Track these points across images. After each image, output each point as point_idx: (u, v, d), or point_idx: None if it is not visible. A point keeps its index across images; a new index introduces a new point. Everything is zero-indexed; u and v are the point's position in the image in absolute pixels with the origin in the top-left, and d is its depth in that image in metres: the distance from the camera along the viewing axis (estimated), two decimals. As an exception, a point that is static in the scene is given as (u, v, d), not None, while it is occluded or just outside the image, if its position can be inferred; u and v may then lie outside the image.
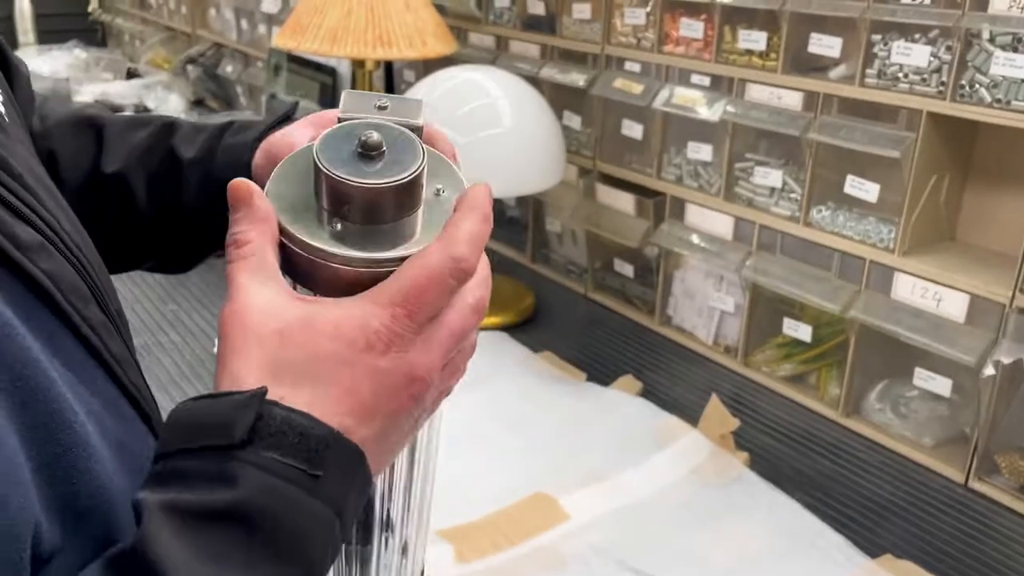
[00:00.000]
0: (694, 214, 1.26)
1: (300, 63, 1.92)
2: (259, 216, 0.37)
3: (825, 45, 1.07)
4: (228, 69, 2.35)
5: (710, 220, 1.24)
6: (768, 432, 1.07)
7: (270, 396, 0.33)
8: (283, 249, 0.36)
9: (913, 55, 0.97)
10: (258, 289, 0.35)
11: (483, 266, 0.37)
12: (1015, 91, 0.89)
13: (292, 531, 0.32)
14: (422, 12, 1.39)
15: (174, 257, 0.55)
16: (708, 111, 1.19)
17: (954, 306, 0.97)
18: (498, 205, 1.65)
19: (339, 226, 0.36)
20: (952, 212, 1.07)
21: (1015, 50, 0.89)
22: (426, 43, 1.37)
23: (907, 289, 1.01)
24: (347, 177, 0.35)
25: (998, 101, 0.91)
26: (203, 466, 0.32)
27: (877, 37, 1.00)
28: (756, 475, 0.98)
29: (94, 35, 3.19)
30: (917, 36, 0.97)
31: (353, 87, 1.68)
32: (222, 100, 2.41)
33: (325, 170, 0.35)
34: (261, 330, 0.34)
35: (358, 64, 1.45)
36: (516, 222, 1.62)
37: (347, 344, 0.34)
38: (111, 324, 0.37)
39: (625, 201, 1.36)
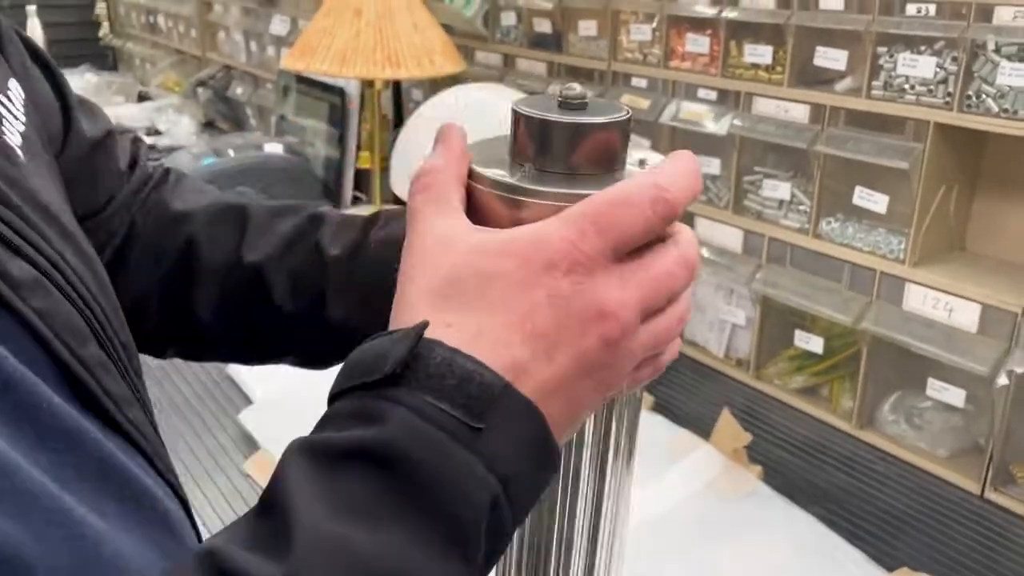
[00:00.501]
0: (703, 227, 1.27)
1: (309, 84, 1.93)
2: (453, 154, 0.36)
3: (831, 58, 1.07)
4: (238, 91, 2.38)
5: (719, 233, 1.24)
6: (782, 445, 1.07)
7: (437, 323, 0.29)
8: (470, 195, 0.35)
9: (919, 66, 0.97)
10: (438, 219, 0.33)
11: (690, 231, 0.35)
12: (1022, 101, 0.89)
13: (440, 486, 0.27)
14: (429, 32, 1.41)
15: (316, 354, 0.52)
16: (715, 125, 1.19)
17: (966, 316, 0.97)
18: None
19: (530, 170, 0.34)
20: (962, 222, 1.07)
21: (1021, 60, 0.89)
22: (434, 62, 1.39)
23: (918, 300, 1.01)
24: (540, 113, 0.34)
25: (1005, 111, 0.91)
26: (350, 405, 0.29)
27: (883, 49, 1.00)
28: (770, 489, 0.98)
29: (105, 59, 3.23)
30: (923, 48, 0.97)
31: (362, 107, 1.69)
32: (232, 122, 2.43)
33: (520, 110, 0.34)
34: (436, 256, 0.32)
35: (367, 84, 1.46)
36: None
37: (522, 262, 0.30)
38: (112, 362, 0.36)
39: (634, 216, 1.36)
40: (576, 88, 0.34)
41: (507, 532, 0.29)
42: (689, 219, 1.28)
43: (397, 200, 1.39)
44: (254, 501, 0.29)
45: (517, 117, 0.35)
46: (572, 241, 0.30)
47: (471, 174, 0.35)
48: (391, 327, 0.32)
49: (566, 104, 0.34)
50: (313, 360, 0.53)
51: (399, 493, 0.27)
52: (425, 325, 0.29)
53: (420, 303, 0.31)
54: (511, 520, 0.29)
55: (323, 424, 0.30)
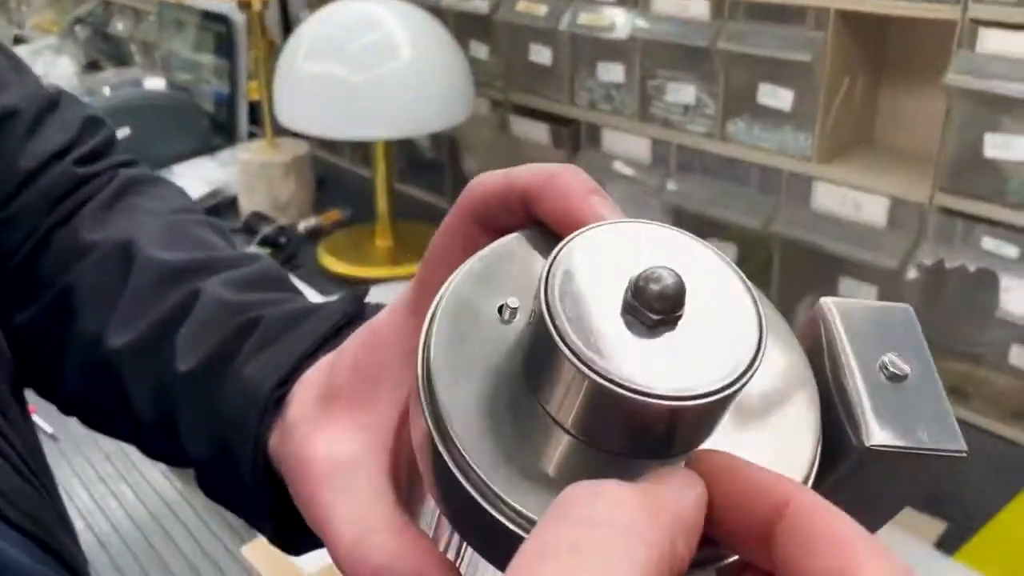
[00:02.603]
0: (610, 139, 1.21)
1: (190, 13, 1.80)
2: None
3: (728, -53, 1.01)
4: (119, 27, 2.22)
5: (627, 144, 1.19)
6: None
7: None
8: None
9: (818, -50, 0.92)
10: None
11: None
12: (923, -21, 0.85)
13: None
14: (307, -56, 1.30)
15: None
16: (617, 28, 1.13)
17: (874, 211, 0.94)
18: (412, 148, 1.57)
19: (568, 445, 0.19)
20: (869, 114, 1.03)
21: (920, -64, 0.84)
22: (315, -22, 1.28)
23: (826, 198, 0.98)
24: (618, 379, 0.17)
25: (906, -8, 0.86)
26: None
27: (780, -66, 0.95)
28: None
29: (-24, 3, 2.98)
30: (821, -71, 0.92)
31: (249, 32, 1.57)
32: (116, 60, 2.27)
33: (563, 346, 0.18)
34: None
35: (245, 5, 1.35)
36: (433, 165, 1.55)
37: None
38: None
39: (540, 132, 1.30)
40: (668, 280, 0.18)
41: None
42: (596, 131, 1.22)
43: (287, 132, 1.29)
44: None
45: (551, 342, 0.18)
46: None
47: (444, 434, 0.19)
48: None
49: (639, 310, 0.18)
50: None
51: None
52: None
53: None
54: None
55: None
